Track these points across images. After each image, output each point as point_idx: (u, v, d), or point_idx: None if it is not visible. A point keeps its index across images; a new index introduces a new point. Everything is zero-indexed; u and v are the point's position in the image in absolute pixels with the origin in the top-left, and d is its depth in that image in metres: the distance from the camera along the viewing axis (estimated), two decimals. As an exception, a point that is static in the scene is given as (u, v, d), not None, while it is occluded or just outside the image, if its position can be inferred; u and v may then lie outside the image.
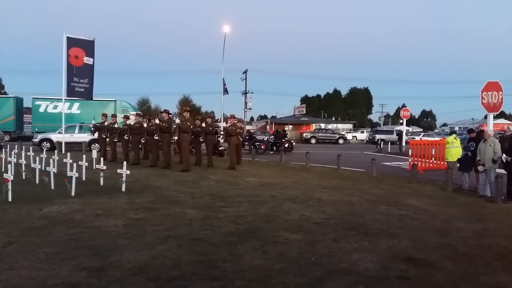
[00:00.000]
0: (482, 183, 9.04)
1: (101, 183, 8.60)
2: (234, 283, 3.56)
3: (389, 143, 29.17)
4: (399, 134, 28.75)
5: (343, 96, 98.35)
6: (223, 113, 31.53)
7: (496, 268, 4.20)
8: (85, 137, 19.05)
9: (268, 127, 51.66)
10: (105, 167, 8.70)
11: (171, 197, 7.59)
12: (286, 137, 23.59)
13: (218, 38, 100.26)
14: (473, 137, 9.86)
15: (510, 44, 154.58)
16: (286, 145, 22.17)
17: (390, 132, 39.97)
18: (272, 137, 24.04)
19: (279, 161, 15.85)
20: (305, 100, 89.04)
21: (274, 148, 21.88)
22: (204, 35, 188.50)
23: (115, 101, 30.49)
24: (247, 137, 21.63)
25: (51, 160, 8.69)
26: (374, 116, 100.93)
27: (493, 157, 8.55)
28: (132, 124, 14.15)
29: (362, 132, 54.35)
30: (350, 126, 61.55)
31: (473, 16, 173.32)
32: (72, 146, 18.47)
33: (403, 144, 24.96)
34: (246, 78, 40.83)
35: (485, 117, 14.92)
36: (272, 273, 3.83)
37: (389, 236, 5.25)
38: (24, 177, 8.99)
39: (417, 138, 32.82)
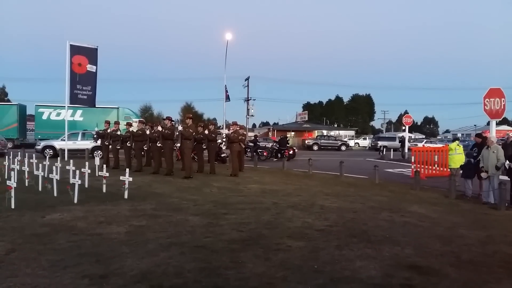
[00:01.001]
0: (485, 189, 9.00)
1: (104, 190, 8.61)
2: (237, 291, 3.54)
3: (392, 149, 29.13)
4: (402, 140, 28.71)
5: (345, 103, 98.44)
6: (225, 120, 31.71)
7: (500, 275, 4.18)
8: (88, 144, 19.11)
9: (270, 133, 51.68)
10: (107, 174, 8.71)
11: (173, 204, 7.58)
12: (288, 144, 23.58)
13: (220, 45, 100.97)
14: (477, 143, 9.85)
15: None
16: (291, 152, 22.16)
17: (392, 138, 39.92)
18: (275, 143, 24.01)
19: (281, 168, 15.85)
20: (307, 106, 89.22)
21: (279, 155, 21.78)
22: (206, 42, 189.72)
23: (117, 108, 30.62)
24: (251, 143, 21.56)
25: (54, 167, 8.70)
26: (377, 123, 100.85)
27: (497, 163, 8.53)
28: (134, 131, 14.19)
29: (365, 138, 54.30)
30: (352, 132, 61.53)
31: (475, 23, 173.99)
32: (75, 153, 18.51)
33: (406, 150, 24.94)
34: (248, 85, 40.96)
35: (488, 123, 14.88)
36: (275, 280, 3.82)
37: (392, 243, 5.23)
38: (27, 184, 9.01)
39: (420, 144, 32.81)
